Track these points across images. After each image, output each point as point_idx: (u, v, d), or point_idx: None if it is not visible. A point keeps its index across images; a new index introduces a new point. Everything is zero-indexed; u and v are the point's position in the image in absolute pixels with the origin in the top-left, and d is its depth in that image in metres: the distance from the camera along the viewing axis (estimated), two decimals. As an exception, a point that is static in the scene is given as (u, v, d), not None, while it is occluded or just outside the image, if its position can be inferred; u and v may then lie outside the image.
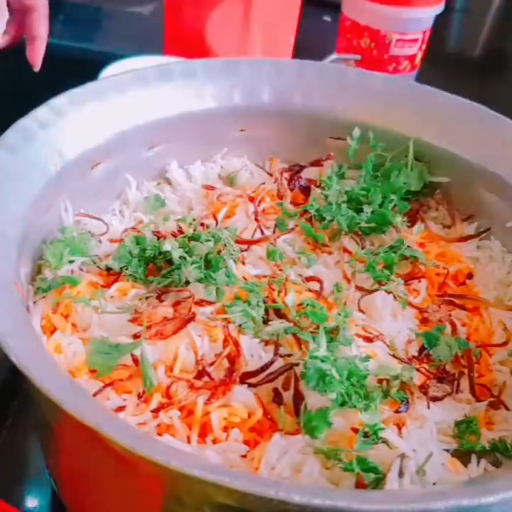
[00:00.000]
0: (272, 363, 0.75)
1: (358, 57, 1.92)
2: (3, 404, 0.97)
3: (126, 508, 0.71)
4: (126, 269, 0.84)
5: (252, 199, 0.98)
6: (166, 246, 0.83)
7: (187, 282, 0.82)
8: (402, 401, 0.73)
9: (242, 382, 0.74)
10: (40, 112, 0.88)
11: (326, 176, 1.02)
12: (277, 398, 0.73)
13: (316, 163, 1.06)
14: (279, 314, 0.81)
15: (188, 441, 0.68)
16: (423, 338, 0.82)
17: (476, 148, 0.98)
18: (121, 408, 0.70)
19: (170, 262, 0.84)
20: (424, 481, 0.66)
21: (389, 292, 0.86)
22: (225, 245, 0.86)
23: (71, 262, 0.85)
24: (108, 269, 0.85)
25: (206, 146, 1.07)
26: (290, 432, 0.68)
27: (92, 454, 0.68)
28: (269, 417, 0.71)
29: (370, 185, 0.99)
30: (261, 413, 0.70)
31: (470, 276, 0.94)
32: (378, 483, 0.65)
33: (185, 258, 0.82)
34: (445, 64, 1.99)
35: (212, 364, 0.74)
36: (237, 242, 0.89)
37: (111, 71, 1.24)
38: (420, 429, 0.72)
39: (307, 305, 0.80)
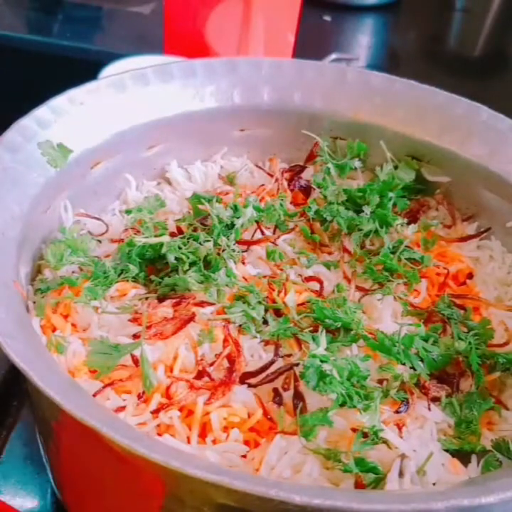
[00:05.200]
0: (272, 363, 0.75)
1: (358, 57, 1.92)
2: (3, 404, 0.97)
3: (126, 508, 0.71)
4: (127, 272, 0.84)
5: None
6: (163, 249, 0.84)
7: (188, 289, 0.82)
8: (402, 401, 0.73)
9: (242, 382, 0.74)
10: (40, 112, 0.88)
11: (321, 177, 1.02)
12: (277, 398, 0.73)
13: (310, 157, 1.07)
14: (279, 314, 0.81)
15: (188, 441, 0.68)
16: (423, 338, 0.81)
17: (476, 148, 0.98)
18: (121, 408, 0.70)
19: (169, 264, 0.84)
20: (424, 481, 0.66)
21: (389, 293, 0.86)
22: (224, 250, 0.86)
23: (71, 262, 0.85)
24: (107, 272, 0.85)
25: (206, 146, 1.07)
26: (290, 432, 0.68)
27: (93, 454, 0.68)
28: (269, 417, 0.71)
29: (367, 186, 0.99)
30: (261, 413, 0.70)
31: (470, 276, 0.94)
32: (378, 483, 0.65)
33: (182, 260, 0.83)
34: (445, 64, 1.99)
35: (212, 364, 0.74)
36: (237, 242, 0.89)
37: (110, 71, 1.23)
38: (420, 429, 0.72)
39: (313, 303, 0.80)
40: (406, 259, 0.91)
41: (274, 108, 1.05)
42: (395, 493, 0.63)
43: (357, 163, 1.04)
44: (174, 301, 0.80)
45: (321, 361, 0.71)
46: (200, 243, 0.85)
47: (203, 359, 0.75)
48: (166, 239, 0.86)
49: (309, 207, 0.96)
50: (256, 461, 0.66)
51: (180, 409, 0.70)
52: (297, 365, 0.74)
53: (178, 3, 1.49)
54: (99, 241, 0.91)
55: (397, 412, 0.72)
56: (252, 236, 0.93)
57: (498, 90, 1.84)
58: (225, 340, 0.76)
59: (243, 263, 0.89)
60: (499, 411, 0.77)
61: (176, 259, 0.83)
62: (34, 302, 0.80)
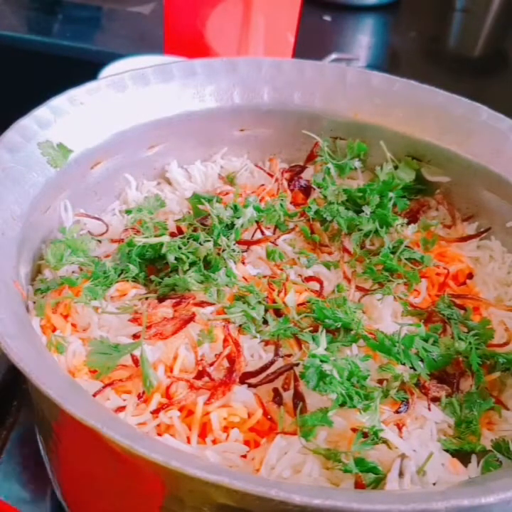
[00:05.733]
0: (272, 363, 0.75)
1: (358, 57, 1.92)
2: (3, 404, 0.97)
3: (126, 508, 0.71)
4: (127, 272, 0.84)
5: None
6: (163, 249, 0.84)
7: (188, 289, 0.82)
8: (402, 401, 0.73)
9: (242, 382, 0.73)
10: (40, 112, 0.88)
11: (321, 177, 1.02)
12: (277, 398, 0.73)
13: (311, 157, 1.07)
14: (279, 314, 0.81)
15: (188, 441, 0.68)
16: (423, 338, 0.81)
17: (476, 148, 0.98)
18: (121, 408, 0.70)
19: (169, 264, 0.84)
20: (424, 481, 0.66)
21: (389, 293, 0.86)
22: (224, 250, 0.86)
23: (71, 262, 0.85)
24: (107, 272, 0.85)
25: (206, 146, 1.07)
26: (290, 432, 0.68)
27: (93, 454, 0.68)
28: (269, 417, 0.71)
29: (367, 186, 0.99)
30: (261, 413, 0.70)
31: (470, 276, 0.94)
32: (378, 483, 0.65)
33: (182, 260, 0.83)
34: (445, 64, 1.99)
35: (212, 364, 0.74)
36: (237, 242, 0.89)
37: (110, 71, 1.23)
38: (420, 429, 0.72)
39: (313, 303, 0.80)
40: (406, 259, 0.91)
41: (274, 108, 1.05)
42: (395, 493, 0.63)
43: (357, 163, 1.05)
44: (174, 301, 0.80)
45: (321, 361, 0.71)
46: (200, 243, 0.85)
47: (203, 359, 0.75)
48: (166, 239, 0.86)
49: (309, 207, 0.97)
50: (256, 461, 0.66)
51: (180, 409, 0.70)
52: (297, 365, 0.74)
53: (178, 3, 1.48)
54: (99, 241, 0.91)
55: (397, 412, 0.72)
56: (252, 236, 0.93)
57: (498, 90, 1.84)
58: (225, 340, 0.76)
59: (243, 263, 0.89)
60: (499, 411, 0.77)
61: (176, 259, 0.83)
62: (34, 302, 0.80)
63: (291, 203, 1.01)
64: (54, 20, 1.71)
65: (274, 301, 0.82)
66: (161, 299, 0.81)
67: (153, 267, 0.86)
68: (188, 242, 0.85)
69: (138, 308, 0.80)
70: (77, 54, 1.71)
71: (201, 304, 0.80)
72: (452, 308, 0.86)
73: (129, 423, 0.67)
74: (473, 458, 0.71)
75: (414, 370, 0.77)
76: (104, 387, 0.71)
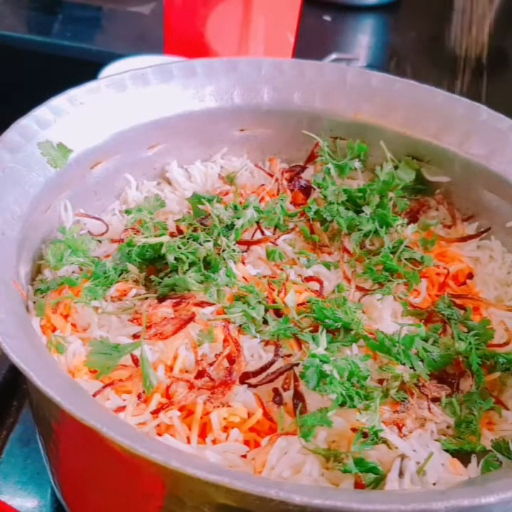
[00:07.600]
0: (272, 363, 0.75)
1: (358, 57, 1.92)
2: (3, 404, 0.97)
3: (126, 508, 0.71)
4: (127, 272, 0.84)
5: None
6: (163, 249, 0.84)
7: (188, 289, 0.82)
8: (402, 401, 0.73)
9: (242, 382, 0.73)
10: (40, 112, 0.88)
11: (321, 177, 1.02)
12: (277, 398, 0.73)
13: (311, 157, 1.07)
14: (279, 314, 0.81)
15: (188, 441, 0.68)
16: (423, 338, 0.81)
17: (476, 148, 0.98)
18: (121, 408, 0.70)
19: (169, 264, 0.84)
20: (424, 481, 0.66)
21: (389, 293, 0.86)
22: (224, 250, 0.86)
23: (71, 262, 0.85)
24: (107, 272, 0.85)
25: (206, 146, 1.07)
26: (290, 432, 0.68)
27: (93, 455, 0.68)
28: (269, 417, 0.71)
29: (367, 186, 1.00)
30: (261, 413, 0.70)
31: (470, 276, 0.94)
32: (378, 483, 0.65)
33: (182, 260, 0.83)
34: (445, 64, 1.99)
35: (212, 364, 0.74)
36: (237, 242, 0.89)
37: (110, 71, 1.23)
38: (420, 429, 0.72)
39: (313, 303, 0.80)
40: (406, 259, 0.91)
41: (274, 108, 1.05)
42: (395, 493, 0.63)
43: (357, 164, 1.05)
44: (174, 301, 0.80)
45: (321, 361, 0.71)
46: (200, 243, 0.85)
47: (203, 359, 0.75)
48: (165, 239, 0.86)
49: (309, 207, 0.97)
50: (257, 462, 0.66)
51: (180, 409, 0.70)
52: (297, 365, 0.74)
53: (178, 3, 1.49)
54: (99, 241, 0.91)
55: (397, 412, 0.72)
56: (252, 236, 0.93)
57: (498, 90, 1.84)
58: (225, 340, 0.76)
59: (243, 263, 0.89)
60: (499, 411, 0.77)
61: (176, 259, 0.83)
62: (34, 302, 0.80)
63: (291, 203, 1.01)
64: (54, 20, 1.71)
65: (274, 301, 0.82)
66: (161, 299, 0.81)
67: (153, 267, 0.86)
68: (187, 242, 0.85)
69: (138, 308, 0.80)
70: (77, 54, 1.71)
71: (201, 304, 0.80)
72: (452, 308, 0.86)
73: (129, 423, 0.67)
74: (473, 458, 0.71)
75: (414, 370, 0.77)
76: (104, 387, 0.71)
